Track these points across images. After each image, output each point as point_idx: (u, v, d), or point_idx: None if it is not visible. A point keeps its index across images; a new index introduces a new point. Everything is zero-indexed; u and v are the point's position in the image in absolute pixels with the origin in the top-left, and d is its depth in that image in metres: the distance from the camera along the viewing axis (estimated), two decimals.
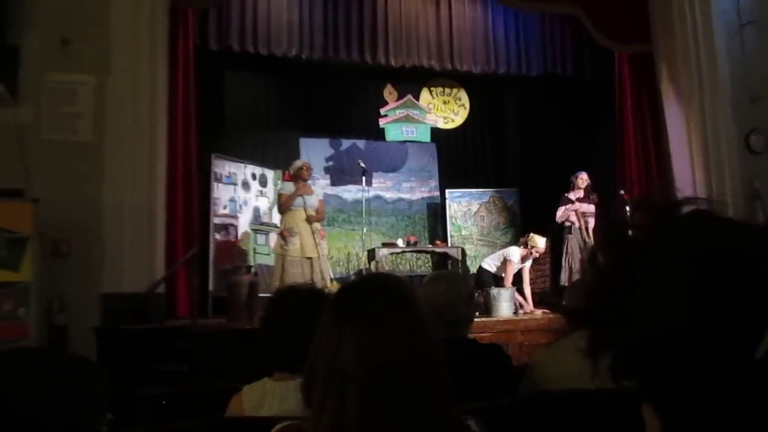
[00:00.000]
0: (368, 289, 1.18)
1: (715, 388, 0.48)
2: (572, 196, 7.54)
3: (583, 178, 7.56)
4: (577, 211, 7.43)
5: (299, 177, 6.59)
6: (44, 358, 0.89)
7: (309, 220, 6.46)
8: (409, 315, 1.11)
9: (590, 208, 7.47)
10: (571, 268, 7.35)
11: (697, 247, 0.51)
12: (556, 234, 7.75)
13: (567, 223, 7.51)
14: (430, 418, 1.04)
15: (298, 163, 6.76)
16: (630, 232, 0.56)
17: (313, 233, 6.47)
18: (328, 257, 8.99)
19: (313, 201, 6.63)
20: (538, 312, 7.00)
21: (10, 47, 5.78)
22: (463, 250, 8.68)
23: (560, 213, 7.52)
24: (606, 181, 7.90)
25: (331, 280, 6.72)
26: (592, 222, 7.43)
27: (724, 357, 0.48)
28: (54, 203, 5.43)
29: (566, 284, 7.22)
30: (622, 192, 7.45)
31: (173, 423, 1.80)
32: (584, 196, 7.52)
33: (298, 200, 6.45)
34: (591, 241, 7.32)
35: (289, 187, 6.62)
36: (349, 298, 1.16)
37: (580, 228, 7.41)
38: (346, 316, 1.11)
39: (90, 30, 6.06)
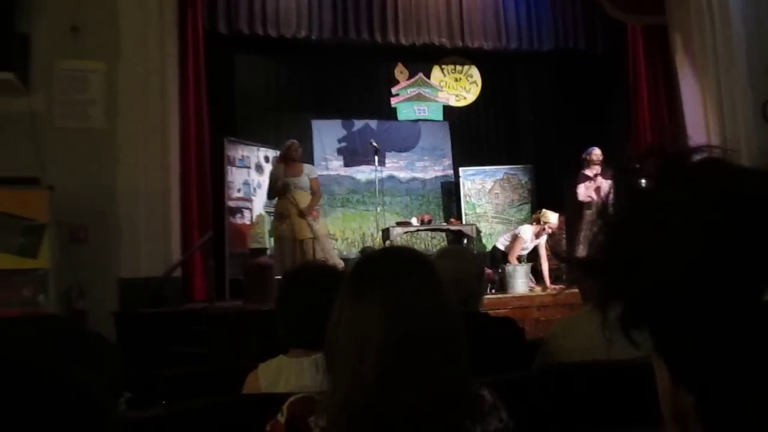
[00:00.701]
0: (387, 259, 1.19)
1: (723, 333, 0.47)
2: (589, 172, 7.43)
3: (596, 154, 7.45)
4: (599, 187, 7.32)
5: (288, 157, 6.41)
6: (61, 327, 0.89)
7: (297, 208, 6.22)
8: (429, 284, 1.12)
9: (607, 183, 7.40)
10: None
11: (708, 191, 0.50)
12: (574, 210, 7.69)
13: (587, 199, 7.42)
14: (445, 383, 1.05)
15: (286, 143, 6.54)
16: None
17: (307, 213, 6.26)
18: (342, 238, 9.02)
19: (303, 182, 6.37)
20: (556, 288, 6.99)
21: (20, 36, 5.80)
22: (477, 228, 8.65)
23: (582, 191, 7.36)
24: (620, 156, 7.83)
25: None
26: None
27: (732, 301, 0.47)
28: (69, 190, 5.48)
29: None
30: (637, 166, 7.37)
31: (191, 399, 1.81)
32: (602, 172, 7.41)
33: (285, 182, 6.25)
34: None
35: (280, 169, 6.46)
36: (369, 268, 1.17)
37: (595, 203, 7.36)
38: (367, 284, 1.11)
39: (99, 16, 6.07)
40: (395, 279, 1.12)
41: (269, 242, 7.84)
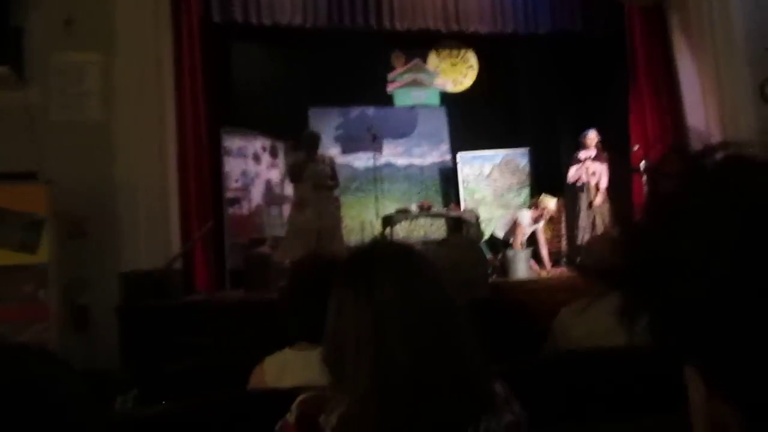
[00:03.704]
0: (381, 252, 1.19)
1: (761, 343, 0.46)
2: (582, 155, 7.51)
3: (591, 137, 7.55)
4: (588, 170, 7.41)
5: (310, 146, 6.55)
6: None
7: (316, 187, 6.39)
8: (424, 277, 1.11)
9: (602, 166, 7.44)
10: (584, 228, 7.36)
11: (737, 194, 0.48)
12: (572, 194, 7.72)
13: (579, 183, 7.50)
14: (451, 379, 1.04)
15: (307, 132, 6.71)
16: (662, 184, 0.53)
17: (328, 202, 6.42)
18: (342, 226, 9.01)
19: (325, 170, 6.56)
20: (556, 271, 7.00)
21: (14, 29, 5.75)
22: (476, 214, 8.61)
23: (571, 173, 7.54)
24: (619, 138, 7.82)
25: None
26: (604, 180, 7.41)
27: None
28: (67, 184, 5.45)
29: (582, 243, 7.20)
30: (636, 147, 7.38)
31: (197, 395, 1.81)
32: (596, 155, 7.47)
33: (309, 169, 6.41)
34: (596, 200, 7.33)
35: (300, 157, 6.58)
36: (361, 263, 1.17)
37: (587, 186, 7.40)
38: (361, 280, 1.11)
39: (93, 8, 6.02)
40: (387, 272, 1.11)
41: (268, 231, 7.83)
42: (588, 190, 7.44)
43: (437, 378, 1.02)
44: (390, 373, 1.02)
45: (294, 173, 6.59)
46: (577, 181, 7.54)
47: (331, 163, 6.74)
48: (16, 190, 5.30)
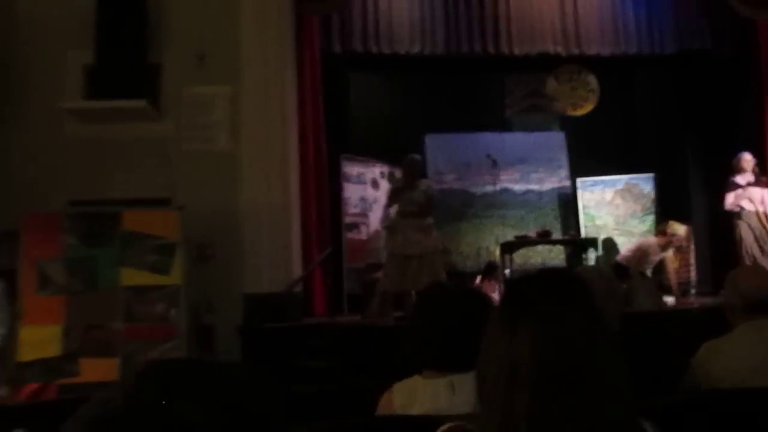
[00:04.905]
0: (546, 282, 1.13)
1: None
2: (740, 180, 6.89)
3: (747, 159, 6.86)
4: (750, 195, 6.79)
5: (409, 171, 6.37)
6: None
7: (403, 215, 6.22)
8: (588, 312, 1.06)
9: (764, 192, 6.83)
10: (750, 255, 6.76)
11: None
12: (703, 220, 7.26)
13: (736, 209, 6.92)
14: (604, 417, 0.98)
15: (407, 157, 6.49)
16: None
17: (416, 229, 6.17)
18: (457, 252, 8.93)
19: (418, 195, 6.25)
20: (685, 302, 6.62)
21: (152, 66, 6.16)
22: (607, 239, 8.21)
23: (730, 200, 6.88)
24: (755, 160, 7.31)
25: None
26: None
27: None
28: (196, 210, 5.72)
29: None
30: None
31: (327, 420, 1.82)
32: (755, 180, 6.84)
33: (405, 195, 6.23)
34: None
35: (399, 182, 6.50)
36: (525, 292, 1.12)
37: (756, 213, 6.79)
38: (522, 310, 1.06)
39: (222, 43, 6.35)
40: (551, 305, 1.06)
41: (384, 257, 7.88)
42: (757, 215, 6.77)
43: (590, 418, 0.97)
44: (540, 413, 0.98)
45: (389, 198, 6.56)
46: (734, 208, 6.91)
47: (428, 189, 6.42)
48: (151, 215, 5.62)
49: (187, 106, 6.30)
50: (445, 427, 1.14)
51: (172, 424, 0.59)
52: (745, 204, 6.77)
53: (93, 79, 5.99)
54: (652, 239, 7.04)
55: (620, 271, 6.96)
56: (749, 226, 6.75)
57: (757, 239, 6.72)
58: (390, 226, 6.37)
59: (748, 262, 6.63)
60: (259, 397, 0.67)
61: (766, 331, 2.15)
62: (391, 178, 8.27)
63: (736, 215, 6.85)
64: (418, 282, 5.70)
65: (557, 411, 0.97)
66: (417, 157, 6.60)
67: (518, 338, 1.02)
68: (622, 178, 9.19)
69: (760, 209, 6.76)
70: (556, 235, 8.63)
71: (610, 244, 7.75)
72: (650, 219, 8.96)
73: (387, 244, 6.42)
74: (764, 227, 6.71)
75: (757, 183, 6.80)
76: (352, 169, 7.94)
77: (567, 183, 9.47)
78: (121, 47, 5.97)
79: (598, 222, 9.11)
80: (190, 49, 6.27)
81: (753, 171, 6.84)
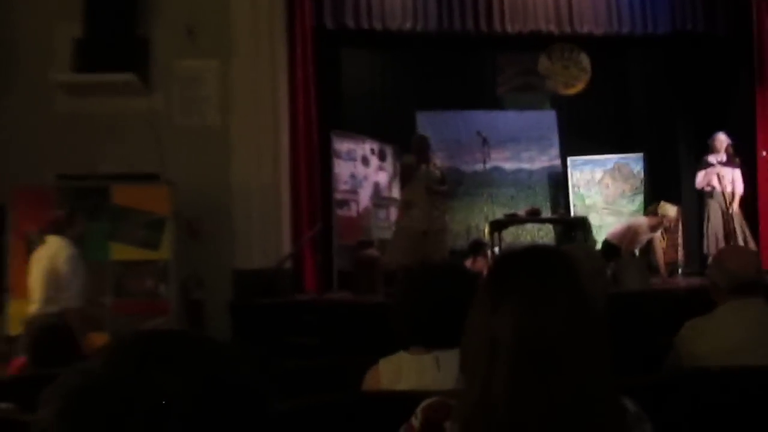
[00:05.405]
0: (531, 259, 1.14)
1: None
2: (712, 159, 6.99)
3: (720, 140, 6.98)
4: (719, 174, 6.88)
5: (421, 150, 6.48)
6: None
7: (429, 191, 6.32)
8: (571, 290, 1.07)
9: (734, 171, 6.93)
10: (715, 236, 6.83)
11: None
12: (692, 200, 7.30)
13: (707, 188, 7.00)
14: (583, 395, 0.99)
15: (417, 135, 6.66)
16: None
17: (437, 206, 6.35)
18: (448, 230, 8.95)
19: (434, 171, 6.46)
20: (673, 282, 6.68)
21: (140, 39, 6.10)
22: (586, 219, 8.31)
23: (700, 178, 7.01)
24: (744, 142, 7.35)
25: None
26: (740, 186, 6.90)
27: None
28: (186, 185, 5.71)
29: (709, 252, 6.74)
30: (765, 153, 6.91)
31: (313, 395, 1.83)
32: (727, 160, 6.96)
33: (422, 172, 6.37)
34: (734, 206, 6.81)
35: (413, 160, 6.52)
36: (510, 268, 1.13)
37: (722, 193, 6.89)
38: (505, 285, 1.07)
39: (212, 17, 6.29)
40: (534, 282, 1.07)
41: (375, 234, 7.89)
42: (723, 195, 6.90)
43: (568, 395, 0.98)
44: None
45: (404, 176, 6.59)
46: (705, 186, 7.04)
47: (441, 168, 6.66)
48: (141, 190, 5.62)
49: (176, 80, 6.26)
50: (428, 401, 1.16)
51: (150, 394, 0.59)
52: (715, 182, 6.85)
53: (82, 52, 5.93)
54: (642, 219, 7.07)
55: (610, 250, 7.00)
56: (720, 205, 6.84)
57: (724, 220, 6.81)
58: (408, 200, 6.38)
59: (710, 242, 6.77)
60: (245, 371, 0.67)
61: (748, 310, 2.18)
62: (382, 155, 8.28)
63: (707, 194, 6.97)
64: (428, 258, 5.74)
65: (535, 388, 0.98)
66: (426, 135, 6.77)
67: (500, 314, 1.03)
68: (612, 158, 9.20)
69: (728, 189, 6.84)
70: (546, 214, 8.66)
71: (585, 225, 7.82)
72: (639, 199, 8.99)
73: (399, 218, 6.50)
74: (728, 207, 6.79)
75: (729, 163, 6.88)
76: (342, 145, 7.90)
77: (557, 162, 9.47)
78: (110, 20, 5.92)
79: (587, 201, 9.13)
80: (179, 22, 6.22)
81: (726, 151, 6.92)
